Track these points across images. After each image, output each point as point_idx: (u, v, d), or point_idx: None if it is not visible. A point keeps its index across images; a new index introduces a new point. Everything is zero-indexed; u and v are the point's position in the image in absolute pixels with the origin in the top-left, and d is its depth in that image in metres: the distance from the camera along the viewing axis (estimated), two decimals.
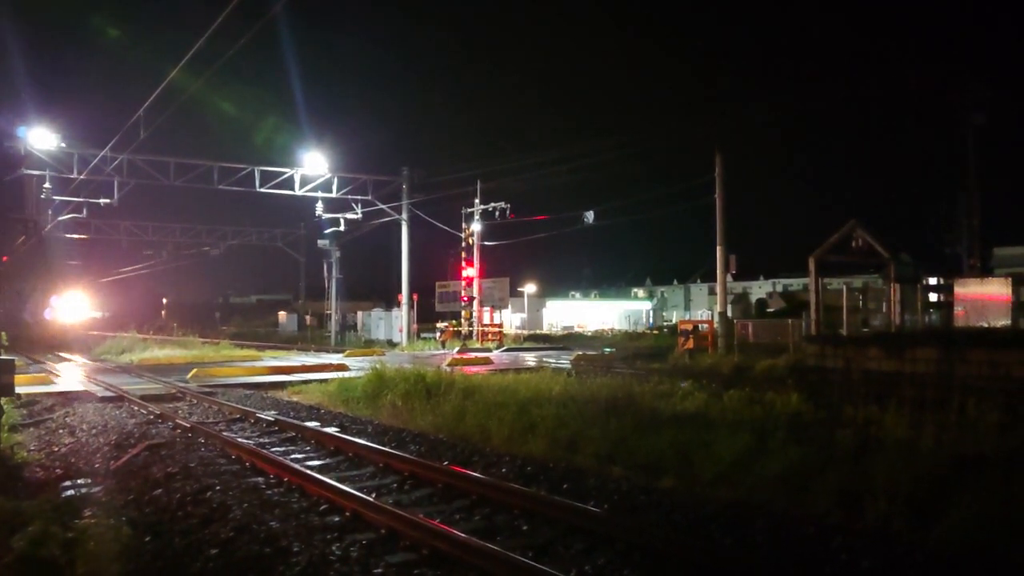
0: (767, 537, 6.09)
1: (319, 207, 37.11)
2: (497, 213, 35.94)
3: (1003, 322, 20.13)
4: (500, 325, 42.93)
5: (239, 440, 10.45)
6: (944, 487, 6.77)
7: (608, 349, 32.65)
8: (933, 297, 24.31)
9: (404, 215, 38.06)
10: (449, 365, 20.79)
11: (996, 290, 21.56)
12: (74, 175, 30.75)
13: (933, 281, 24.93)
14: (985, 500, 6.28)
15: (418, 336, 40.98)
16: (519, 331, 49.36)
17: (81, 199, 33.75)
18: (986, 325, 19.54)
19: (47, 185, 30.88)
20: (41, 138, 29.64)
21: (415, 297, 40.66)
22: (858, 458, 7.77)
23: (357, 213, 38.41)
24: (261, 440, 10.92)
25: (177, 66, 13.12)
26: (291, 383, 18.41)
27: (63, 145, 30.15)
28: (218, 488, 7.81)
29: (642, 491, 7.57)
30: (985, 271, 29.79)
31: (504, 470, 8.67)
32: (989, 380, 13.74)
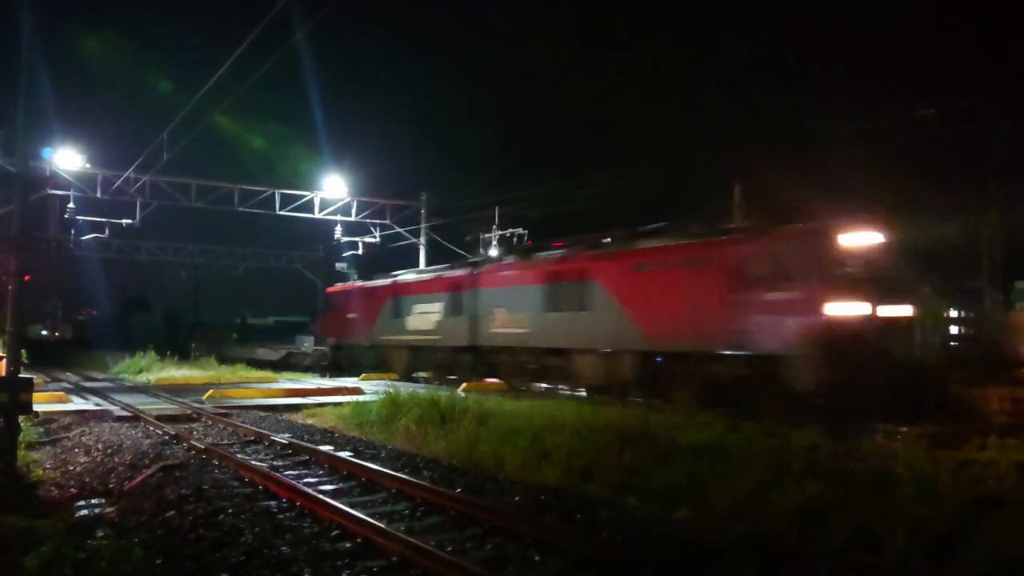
0: (784, 572, 6.00)
1: (338, 230, 37.39)
2: (515, 240, 35.95)
3: None
4: None
5: (253, 463, 10.45)
6: (963, 524, 6.66)
7: None
8: (954, 330, 24.00)
9: (422, 239, 38.23)
10: (463, 390, 20.75)
11: (1019, 323, 21.26)
12: (98, 195, 31.18)
13: (954, 314, 24.64)
14: (1005, 539, 6.16)
15: None
16: None
17: (103, 219, 34.19)
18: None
19: (71, 205, 31.34)
20: (66, 159, 30.05)
21: None
22: (876, 493, 7.66)
23: (375, 237, 38.68)
24: (275, 463, 10.91)
25: (201, 91, 13.40)
26: (306, 406, 18.42)
27: (87, 166, 30.55)
28: (230, 511, 7.81)
29: (656, 522, 7.49)
30: (1007, 305, 29.42)
31: (517, 498, 8.62)
32: (1011, 415, 13.53)
